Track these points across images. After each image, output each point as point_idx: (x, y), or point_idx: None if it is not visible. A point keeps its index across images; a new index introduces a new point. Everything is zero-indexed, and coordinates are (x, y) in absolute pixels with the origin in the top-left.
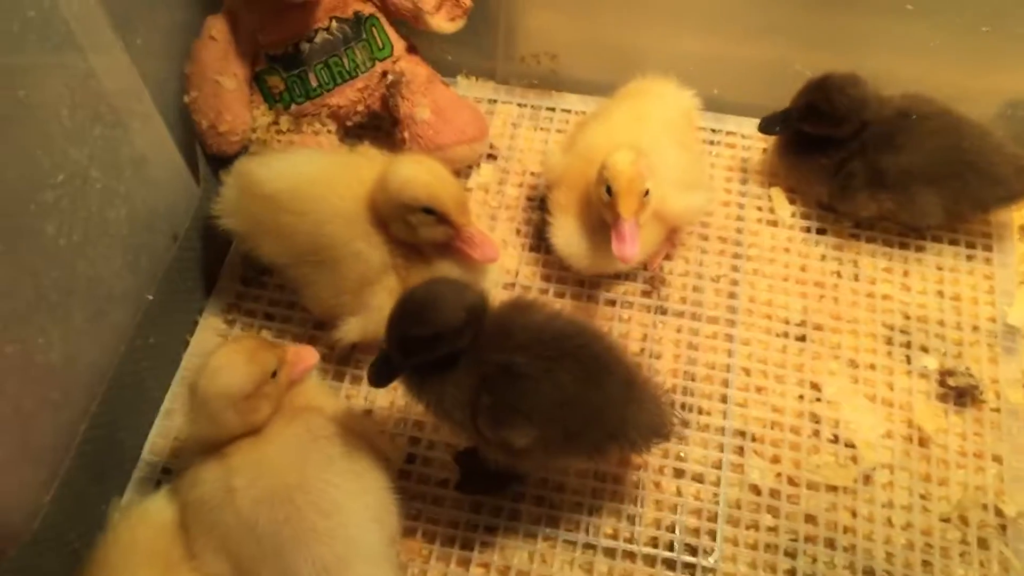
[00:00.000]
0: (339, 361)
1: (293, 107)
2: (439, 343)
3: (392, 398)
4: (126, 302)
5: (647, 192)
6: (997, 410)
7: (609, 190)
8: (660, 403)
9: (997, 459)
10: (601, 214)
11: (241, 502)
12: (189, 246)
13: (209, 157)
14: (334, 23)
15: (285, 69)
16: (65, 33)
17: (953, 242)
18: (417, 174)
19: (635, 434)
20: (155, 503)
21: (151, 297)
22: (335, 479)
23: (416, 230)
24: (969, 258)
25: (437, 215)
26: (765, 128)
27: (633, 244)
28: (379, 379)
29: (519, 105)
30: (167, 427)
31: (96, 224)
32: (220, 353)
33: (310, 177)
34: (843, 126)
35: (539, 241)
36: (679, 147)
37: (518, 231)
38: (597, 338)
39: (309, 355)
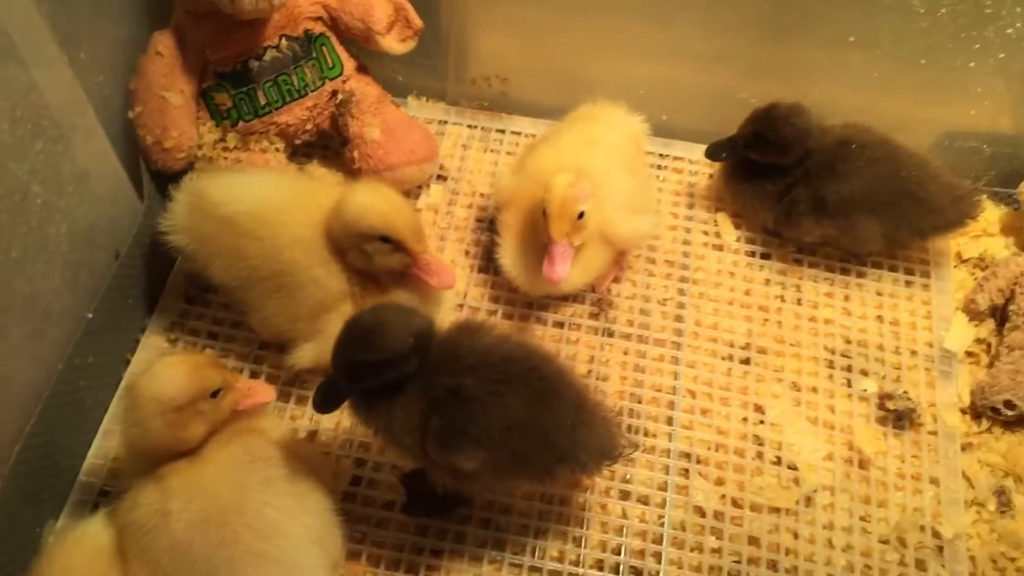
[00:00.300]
0: (284, 382)
1: (241, 124)
2: (386, 368)
3: (338, 419)
4: (64, 320)
5: (581, 215)
6: (934, 433)
7: (544, 211)
8: (610, 425)
9: (934, 481)
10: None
11: (175, 525)
12: (131, 263)
13: (154, 173)
14: (284, 41)
15: (233, 86)
16: (6, 46)
17: (892, 268)
18: (373, 202)
19: (585, 456)
20: (91, 527)
21: (91, 315)
22: (274, 500)
23: (372, 258)
24: (908, 284)
25: (393, 243)
26: (712, 155)
27: (562, 266)
28: (325, 405)
29: (469, 127)
30: (106, 448)
31: (35, 240)
32: (166, 359)
33: (270, 202)
34: (788, 154)
35: (488, 262)
36: (627, 171)
37: (467, 252)
38: (546, 361)
39: (264, 392)
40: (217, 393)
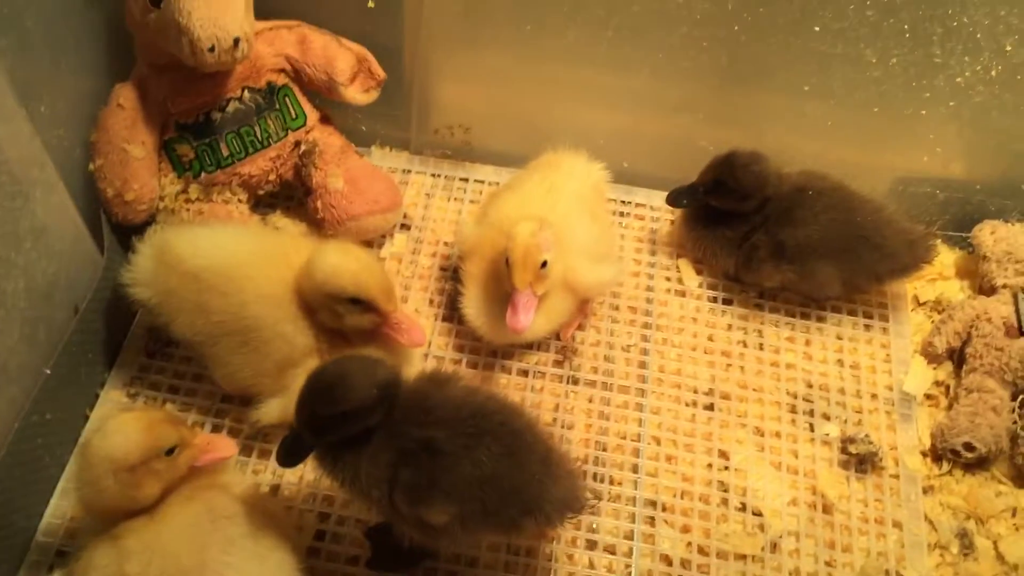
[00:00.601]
0: (247, 436)
1: (203, 176)
2: (351, 421)
3: (301, 472)
4: (22, 376)
5: (544, 264)
6: (896, 476)
7: (508, 261)
8: (574, 477)
9: (897, 525)
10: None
11: None
12: (91, 317)
13: (114, 226)
14: (246, 93)
15: (195, 138)
16: None
17: (852, 312)
18: (344, 263)
19: (550, 509)
20: None
21: (49, 371)
22: (236, 562)
23: (343, 318)
24: (867, 327)
25: (364, 304)
26: (673, 201)
27: (525, 315)
28: (289, 458)
29: (433, 175)
30: (63, 507)
31: None
32: (119, 417)
33: (235, 257)
34: (748, 201)
35: (452, 311)
36: (589, 219)
37: (431, 301)
38: (515, 414)
39: (224, 446)
40: (173, 450)
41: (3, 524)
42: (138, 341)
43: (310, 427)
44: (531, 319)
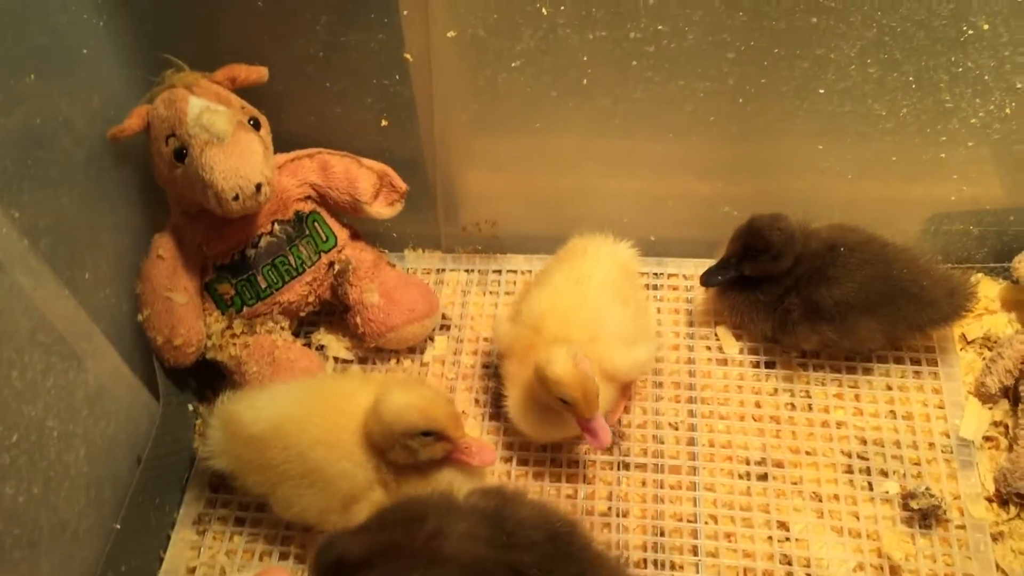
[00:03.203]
0: (311, 561)
1: (245, 310)
2: None
3: None
4: (93, 537)
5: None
6: (962, 527)
7: (564, 399)
8: None
9: None
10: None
11: None
12: (154, 464)
13: (167, 370)
14: (276, 226)
15: (233, 275)
16: (9, 294)
17: (898, 360)
18: (411, 401)
19: None
20: None
21: (119, 526)
22: None
23: (416, 452)
24: (916, 374)
25: (435, 435)
26: (707, 281)
27: (605, 434)
28: None
29: (467, 271)
30: None
31: (55, 471)
32: None
33: (289, 411)
34: (781, 260)
35: (497, 409)
36: (621, 303)
37: (476, 401)
38: (579, 531)
39: None
40: None
41: None
42: (201, 476)
43: None
44: (610, 433)
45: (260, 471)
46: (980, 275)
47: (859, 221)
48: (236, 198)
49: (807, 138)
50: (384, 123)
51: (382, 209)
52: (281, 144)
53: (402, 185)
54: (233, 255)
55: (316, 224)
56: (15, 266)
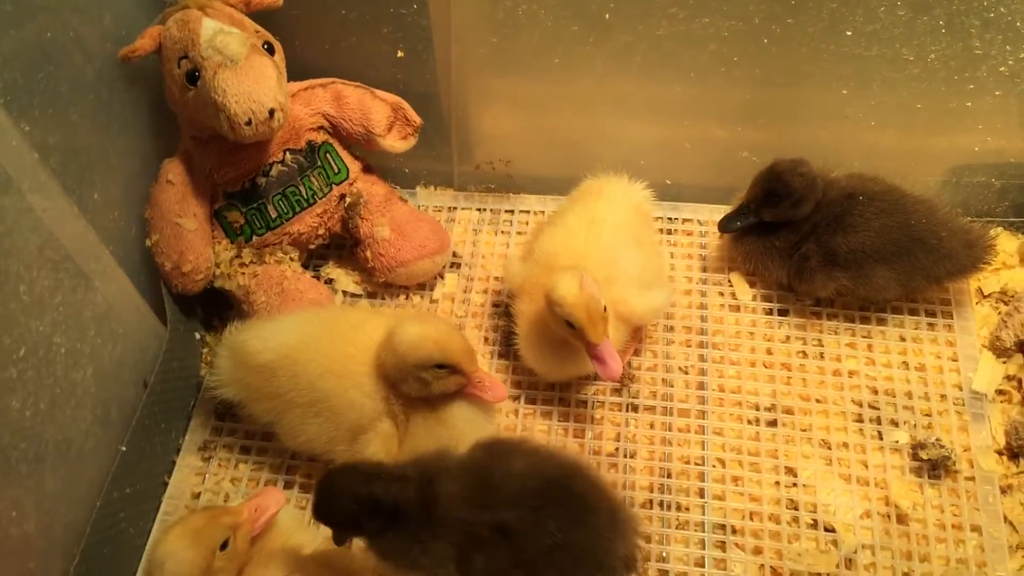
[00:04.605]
0: None
1: (255, 239)
2: (349, 528)
3: None
4: (99, 457)
5: (604, 309)
6: (971, 479)
7: (570, 322)
8: (633, 531)
9: (976, 529)
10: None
11: None
12: (160, 388)
13: (175, 296)
14: (288, 155)
15: (244, 204)
16: (20, 206)
17: (913, 311)
18: (426, 333)
19: (618, 564)
20: None
21: (124, 448)
22: None
23: (429, 385)
24: (930, 326)
25: (449, 368)
26: (725, 227)
27: (614, 361)
28: (337, 541)
29: (479, 210)
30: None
31: (62, 388)
32: (164, 542)
33: (298, 341)
34: (802, 206)
35: (507, 348)
36: (635, 246)
37: (486, 339)
38: (578, 473)
39: (272, 501)
40: (227, 542)
41: None
42: (208, 405)
43: (328, 525)
44: (619, 361)
45: (268, 399)
46: (999, 229)
47: (880, 171)
48: (249, 123)
49: (832, 82)
50: (400, 54)
51: (395, 142)
52: (294, 73)
53: (416, 118)
54: (244, 183)
55: (328, 155)
56: (24, 180)
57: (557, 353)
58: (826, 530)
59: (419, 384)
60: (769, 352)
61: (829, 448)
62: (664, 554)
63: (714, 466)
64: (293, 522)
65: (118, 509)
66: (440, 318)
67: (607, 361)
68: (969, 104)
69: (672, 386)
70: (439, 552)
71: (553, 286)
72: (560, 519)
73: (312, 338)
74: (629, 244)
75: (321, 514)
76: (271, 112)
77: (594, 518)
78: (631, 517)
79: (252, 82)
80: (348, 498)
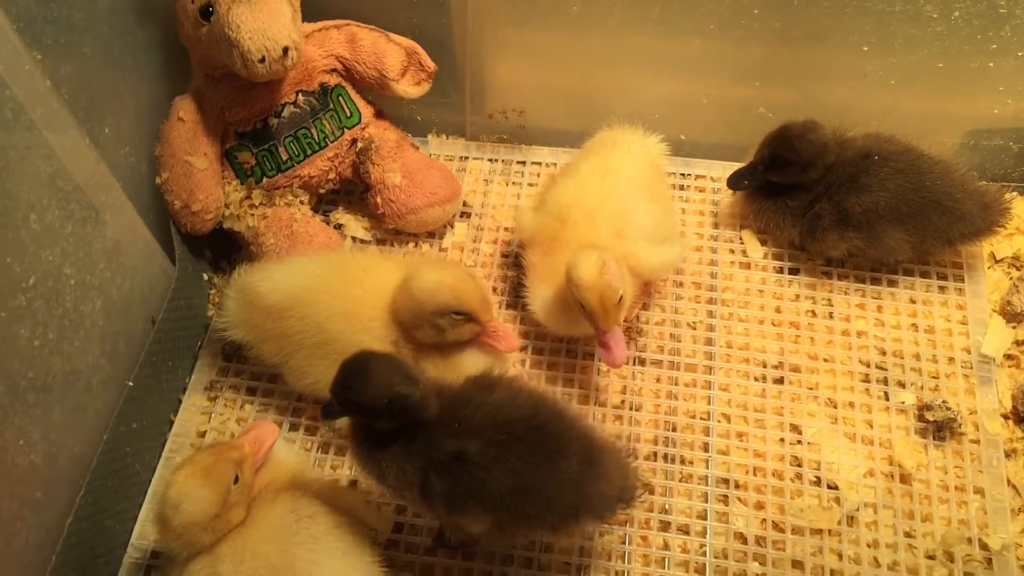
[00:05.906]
0: (324, 434)
1: (265, 181)
2: (363, 412)
3: None
4: (106, 391)
5: (620, 298)
6: (976, 441)
7: (583, 304)
8: (624, 469)
9: (979, 491)
10: None
11: None
12: (168, 326)
13: (184, 235)
14: (300, 97)
15: (255, 144)
16: (30, 135)
17: (924, 274)
18: (443, 279)
19: (599, 505)
20: None
21: (131, 383)
22: (320, 558)
23: (445, 332)
24: (941, 289)
25: (464, 316)
26: (734, 184)
27: (620, 350)
28: (326, 416)
29: (490, 160)
30: (154, 512)
31: (71, 319)
32: (176, 482)
33: (307, 283)
34: (809, 171)
35: (516, 298)
36: (649, 199)
37: (494, 289)
38: (555, 416)
39: (267, 434)
40: (237, 477)
41: (99, 531)
42: (215, 345)
43: (337, 399)
44: (625, 351)
45: (275, 339)
46: (1015, 193)
47: (897, 131)
48: (262, 60)
49: (853, 38)
50: None
51: (409, 87)
52: (309, 14)
53: (431, 64)
54: (255, 123)
55: (341, 99)
56: (35, 108)
57: (566, 310)
58: (829, 487)
59: (434, 331)
60: (778, 310)
61: (835, 407)
62: (667, 506)
63: (719, 421)
64: (298, 460)
65: (124, 444)
66: (458, 265)
67: (612, 349)
68: (991, 64)
69: (680, 341)
70: (407, 473)
71: (574, 263)
72: (525, 460)
73: (322, 280)
74: (643, 198)
75: (347, 388)
76: (285, 50)
77: (565, 461)
78: (618, 455)
79: (266, 19)
80: (384, 388)
